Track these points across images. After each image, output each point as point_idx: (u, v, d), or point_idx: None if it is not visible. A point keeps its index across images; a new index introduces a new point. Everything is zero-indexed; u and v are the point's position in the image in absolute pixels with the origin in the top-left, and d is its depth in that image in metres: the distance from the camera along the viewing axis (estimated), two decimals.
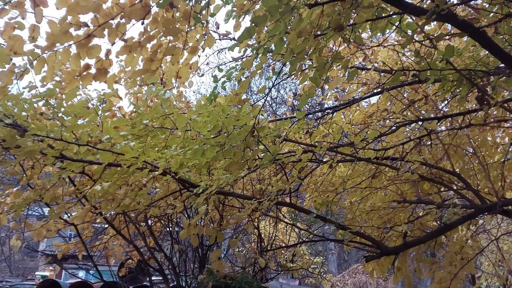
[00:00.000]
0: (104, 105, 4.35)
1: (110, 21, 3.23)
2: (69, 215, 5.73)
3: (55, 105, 3.83)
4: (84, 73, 3.45)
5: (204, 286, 4.78)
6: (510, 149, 5.11)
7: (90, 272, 7.78)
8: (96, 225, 6.54)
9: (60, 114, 3.86)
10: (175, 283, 5.72)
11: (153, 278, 6.22)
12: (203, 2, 3.38)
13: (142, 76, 3.58)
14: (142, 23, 3.30)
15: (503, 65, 3.82)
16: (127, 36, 3.34)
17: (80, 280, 6.77)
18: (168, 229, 6.01)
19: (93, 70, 3.47)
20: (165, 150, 3.85)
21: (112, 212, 5.14)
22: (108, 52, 3.44)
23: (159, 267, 5.66)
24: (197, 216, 4.39)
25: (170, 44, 3.50)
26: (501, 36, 3.62)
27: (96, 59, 3.44)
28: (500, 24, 3.53)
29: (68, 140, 3.83)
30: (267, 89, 4.19)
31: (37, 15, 3.16)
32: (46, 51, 3.28)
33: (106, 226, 6.07)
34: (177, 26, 3.37)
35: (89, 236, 6.07)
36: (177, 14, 3.37)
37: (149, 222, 5.72)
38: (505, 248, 9.12)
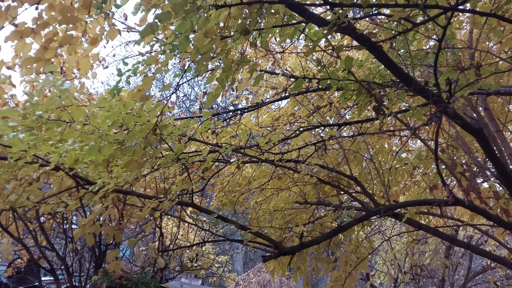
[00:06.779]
0: None
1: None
2: None
3: None
4: None
5: (98, 287, 4.57)
6: (397, 156, 5.50)
7: None
8: None
9: None
10: (67, 285, 5.42)
11: (45, 278, 5.86)
12: None
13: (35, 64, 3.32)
14: (36, 8, 3.06)
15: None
16: (18, 20, 3.08)
17: None
18: (62, 227, 5.67)
19: None
20: (60, 144, 3.63)
21: None
22: None
23: (50, 267, 5.32)
24: (92, 215, 4.18)
25: (67, 33, 3.28)
26: (395, 51, 3.86)
27: None
28: (395, 40, 3.76)
29: None
30: (173, 86, 4.11)
31: None
32: None
33: None
34: (75, 14, 3.17)
35: None
36: (76, 1, 3.17)
37: (42, 219, 5.37)
38: (397, 248, 9.80)
